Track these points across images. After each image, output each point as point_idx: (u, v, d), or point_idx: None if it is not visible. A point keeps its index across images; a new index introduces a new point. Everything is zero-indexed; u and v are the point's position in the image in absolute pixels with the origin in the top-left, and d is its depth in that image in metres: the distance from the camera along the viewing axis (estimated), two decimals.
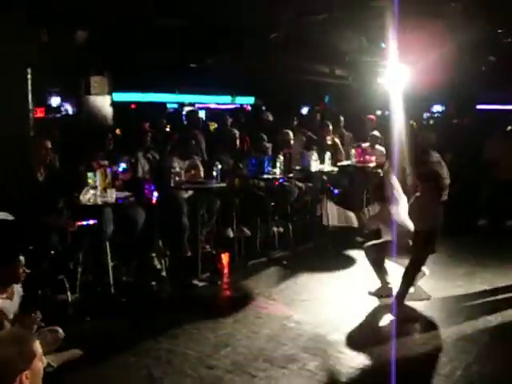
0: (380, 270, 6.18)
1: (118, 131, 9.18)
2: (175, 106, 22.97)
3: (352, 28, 9.14)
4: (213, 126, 13.59)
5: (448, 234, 8.40)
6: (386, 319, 5.69)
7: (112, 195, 5.71)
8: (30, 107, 7.30)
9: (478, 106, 18.32)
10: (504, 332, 5.44)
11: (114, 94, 9.53)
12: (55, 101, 10.48)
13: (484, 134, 10.74)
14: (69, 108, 9.65)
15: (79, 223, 5.65)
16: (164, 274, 6.70)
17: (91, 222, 5.75)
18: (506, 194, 9.39)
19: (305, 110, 14.40)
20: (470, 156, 10.41)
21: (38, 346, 2.18)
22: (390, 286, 6.15)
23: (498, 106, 20.14)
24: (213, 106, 24.64)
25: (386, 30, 7.59)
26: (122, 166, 6.51)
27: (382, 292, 6.16)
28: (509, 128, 10.67)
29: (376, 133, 10.03)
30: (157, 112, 14.68)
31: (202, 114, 21.40)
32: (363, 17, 8.28)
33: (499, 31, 9.25)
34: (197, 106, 23.30)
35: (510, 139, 10.11)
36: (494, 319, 5.66)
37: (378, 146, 9.88)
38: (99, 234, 5.78)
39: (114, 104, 9.40)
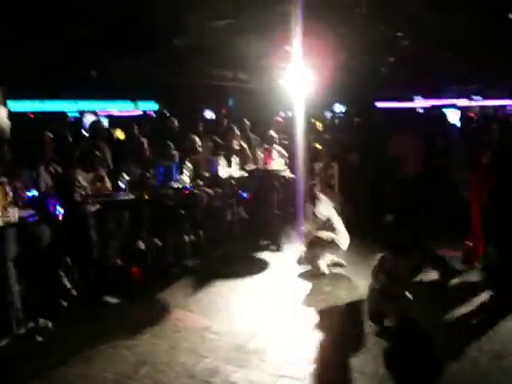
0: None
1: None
2: (76, 114, 22.34)
3: (256, 33, 9.17)
4: (117, 133, 13.28)
5: (357, 231, 8.70)
6: (303, 322, 5.70)
7: (14, 214, 5.40)
8: None
9: (379, 104, 18.96)
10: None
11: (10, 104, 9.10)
12: None
13: (386, 133, 11.07)
14: None
15: None
16: (74, 292, 6.42)
17: None
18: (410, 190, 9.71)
19: (209, 115, 14.32)
20: (373, 154, 10.69)
21: None
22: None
23: (397, 104, 20.98)
24: (116, 113, 24.15)
25: (290, 34, 7.64)
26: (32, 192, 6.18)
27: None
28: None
29: (272, 133, 10.07)
30: (57, 121, 14.16)
31: (105, 122, 20.93)
32: (267, 22, 8.33)
33: (397, 34, 9.57)
34: (99, 113, 22.76)
35: (411, 137, 10.45)
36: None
37: (275, 146, 9.91)
38: (1, 256, 5.44)
39: (11, 115, 8.96)
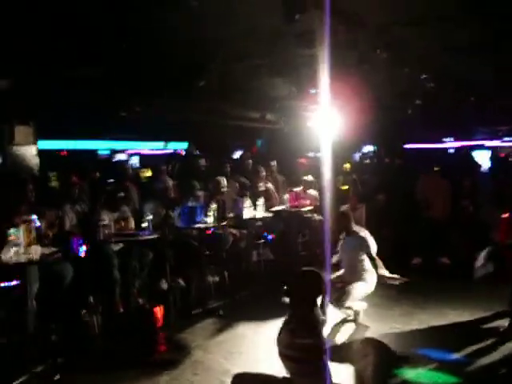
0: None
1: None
2: (107, 152, 22.67)
3: (282, 75, 9.26)
4: (145, 172, 13.40)
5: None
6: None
7: (37, 252, 5.44)
8: None
9: (407, 146, 18.90)
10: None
11: (42, 142, 9.25)
12: None
13: (414, 174, 11.00)
14: None
15: (1, 284, 5.32)
16: (96, 330, 6.41)
17: (14, 283, 5.43)
18: (437, 232, 9.58)
19: (237, 155, 14.39)
20: (401, 195, 10.61)
21: None
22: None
23: (425, 145, 20.85)
24: (146, 151, 24.42)
25: (314, 76, 7.68)
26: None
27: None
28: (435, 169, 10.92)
29: (309, 177, 10.09)
30: (88, 159, 14.39)
31: (135, 160, 21.19)
32: (293, 64, 8.40)
33: (423, 77, 9.56)
34: (128, 151, 23.05)
35: (439, 179, 10.36)
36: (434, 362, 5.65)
37: (311, 191, 9.94)
38: (24, 294, 5.46)
39: (44, 152, 9.12)
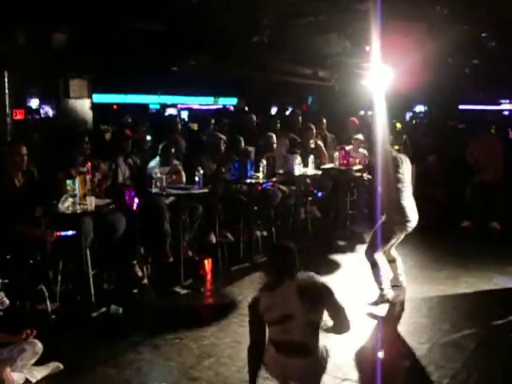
0: (377, 274, 6.09)
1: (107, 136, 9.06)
2: (157, 106, 22.88)
3: (335, 31, 9.10)
4: (194, 127, 13.51)
5: (432, 236, 8.50)
6: (372, 326, 5.62)
7: (91, 203, 5.59)
8: (7, 111, 7.17)
9: (461, 107, 18.45)
10: (490, 339, 5.41)
11: (95, 96, 9.39)
12: (34, 103, 10.29)
13: (467, 136, 10.77)
14: (49, 110, 9.47)
15: (58, 233, 5.51)
16: (146, 281, 6.59)
17: (70, 232, 5.61)
18: (488, 196, 9.42)
19: (288, 112, 14.31)
20: (453, 157, 10.43)
21: (7, 374, 2.08)
22: (384, 293, 6.08)
23: (480, 107, 20.32)
24: (195, 106, 24.54)
25: (370, 32, 7.53)
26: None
27: (379, 300, 6.09)
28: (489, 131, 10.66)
29: (360, 136, 10.00)
30: (139, 112, 14.56)
31: (184, 115, 21.35)
32: (347, 19, 8.24)
33: (483, 35, 9.26)
34: (179, 106, 23.20)
35: (492, 141, 10.13)
36: (479, 325, 5.64)
37: (361, 150, 9.87)
38: (79, 243, 5.65)
39: (95, 106, 9.27)
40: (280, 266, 3.69)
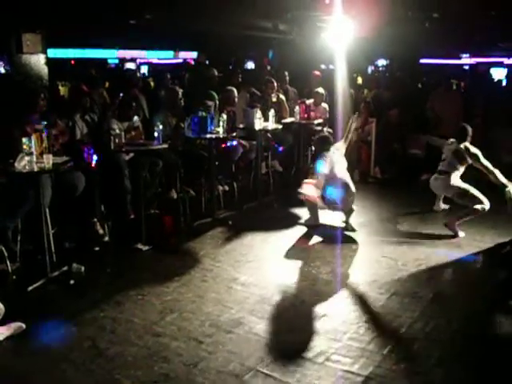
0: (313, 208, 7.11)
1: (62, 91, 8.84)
2: (116, 61, 22.40)
3: None
4: (151, 81, 13.31)
5: (392, 189, 8.65)
6: (330, 277, 5.72)
7: (49, 161, 5.47)
8: None
9: (423, 61, 18.52)
10: (447, 288, 5.58)
11: (51, 51, 9.10)
12: None
13: (427, 89, 10.83)
14: (0, 66, 9.15)
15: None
16: (107, 239, 6.56)
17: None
18: None
19: (249, 66, 14.18)
20: (414, 111, 10.51)
21: None
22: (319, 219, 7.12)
23: (440, 61, 20.43)
24: (155, 61, 24.11)
25: None
26: None
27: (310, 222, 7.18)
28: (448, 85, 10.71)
29: (321, 90, 9.98)
30: (96, 67, 14.21)
31: (144, 70, 20.96)
32: None
33: None
34: (138, 61, 22.76)
35: (452, 96, 10.22)
36: (438, 275, 5.80)
37: (322, 104, 9.86)
38: (37, 202, 5.56)
39: (51, 61, 8.99)
40: None
